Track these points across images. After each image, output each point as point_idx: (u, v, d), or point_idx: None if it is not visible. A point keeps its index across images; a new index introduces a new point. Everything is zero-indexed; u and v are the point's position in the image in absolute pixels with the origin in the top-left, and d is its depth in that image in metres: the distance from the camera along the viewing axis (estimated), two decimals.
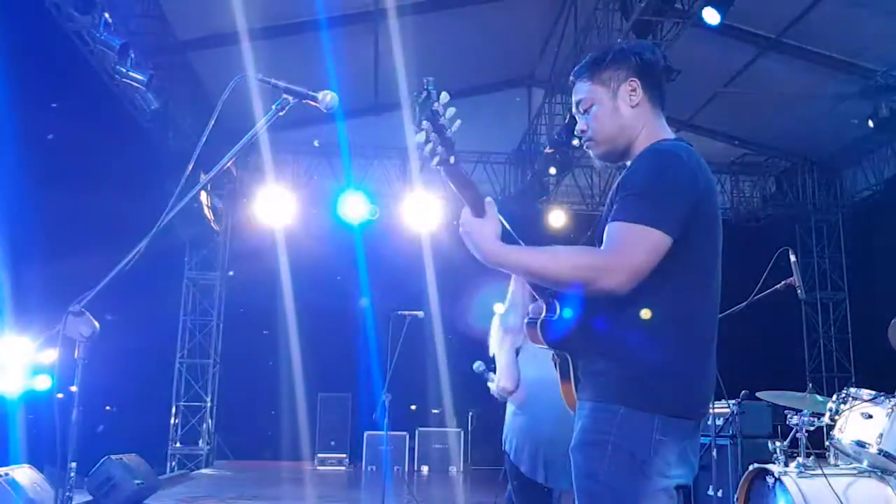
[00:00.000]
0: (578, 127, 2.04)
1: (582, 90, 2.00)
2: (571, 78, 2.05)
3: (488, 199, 1.85)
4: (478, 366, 4.41)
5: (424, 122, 1.73)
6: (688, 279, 1.79)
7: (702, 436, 5.69)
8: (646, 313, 1.75)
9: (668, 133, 1.98)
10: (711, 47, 8.92)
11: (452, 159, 1.75)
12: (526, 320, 1.97)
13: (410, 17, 8.75)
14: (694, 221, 1.77)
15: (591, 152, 2.04)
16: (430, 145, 1.75)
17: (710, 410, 5.31)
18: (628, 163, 1.98)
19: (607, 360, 1.79)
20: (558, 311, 1.87)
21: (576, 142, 9.11)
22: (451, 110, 1.75)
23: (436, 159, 1.76)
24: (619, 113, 1.95)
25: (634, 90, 1.95)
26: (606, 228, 1.78)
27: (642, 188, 1.77)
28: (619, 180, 1.87)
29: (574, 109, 2.06)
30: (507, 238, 1.84)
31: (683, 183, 1.79)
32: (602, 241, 1.84)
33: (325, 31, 8.54)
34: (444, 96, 1.75)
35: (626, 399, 1.74)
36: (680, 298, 1.78)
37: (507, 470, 3.62)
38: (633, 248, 1.72)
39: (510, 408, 3.69)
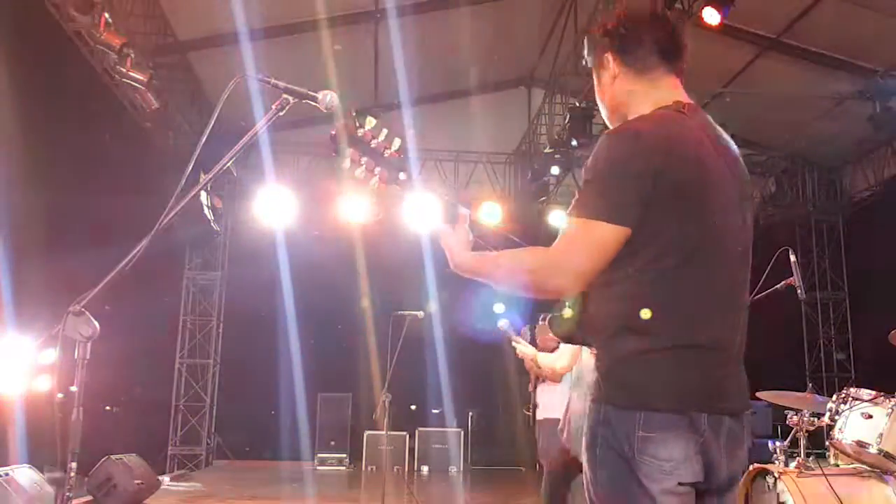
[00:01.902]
0: None
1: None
2: None
3: (462, 209, 1.89)
4: (503, 324, 4.66)
5: (349, 150, 1.84)
6: (664, 263, 1.63)
7: None
8: (620, 304, 1.65)
9: (657, 100, 1.81)
10: (711, 47, 8.92)
11: (403, 175, 1.84)
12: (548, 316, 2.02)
13: (410, 17, 8.76)
14: (656, 202, 1.61)
15: None
16: (360, 169, 1.85)
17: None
18: None
19: (598, 358, 1.71)
20: (577, 304, 1.82)
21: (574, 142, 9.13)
22: (384, 132, 1.85)
23: (373, 180, 1.85)
24: (603, 90, 1.93)
25: (608, 65, 1.90)
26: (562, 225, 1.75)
27: (591, 176, 1.68)
28: None
29: None
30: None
31: (635, 162, 1.63)
32: None
33: (325, 31, 8.55)
34: (370, 121, 1.85)
35: (609, 396, 1.66)
36: (657, 285, 1.63)
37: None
38: (576, 245, 1.65)
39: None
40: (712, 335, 1.67)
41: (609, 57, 1.89)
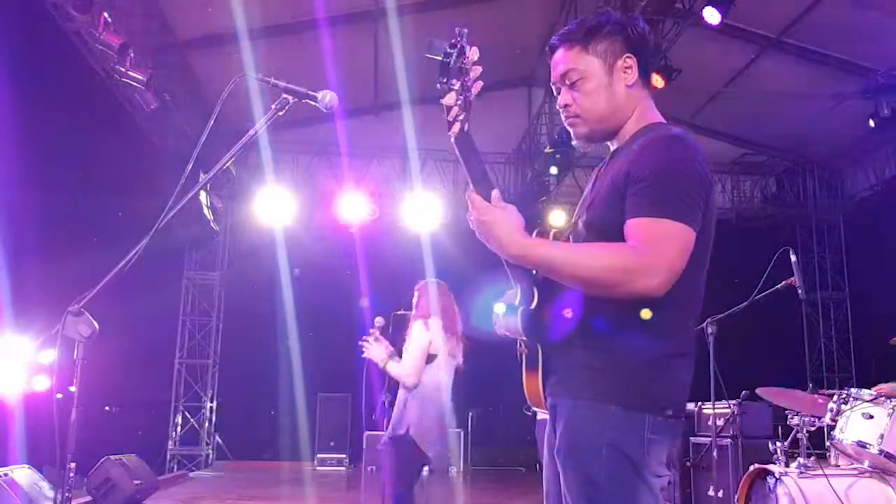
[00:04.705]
0: (561, 100, 1.82)
1: (570, 60, 1.78)
2: (554, 42, 1.82)
3: (495, 191, 1.71)
4: (379, 321, 4.51)
5: (455, 82, 1.55)
6: (691, 276, 1.65)
7: (702, 436, 5.72)
8: (648, 310, 1.61)
9: (659, 115, 1.82)
10: (711, 47, 8.91)
11: (466, 126, 1.59)
12: (503, 309, 1.80)
13: (410, 17, 8.74)
14: (706, 215, 1.66)
15: (573, 130, 1.84)
16: (455, 109, 1.57)
17: (712, 410, 5.30)
18: (611, 144, 1.84)
19: (597, 357, 1.66)
20: (536, 299, 1.72)
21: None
22: (478, 69, 1.58)
23: (456, 126, 1.58)
24: (613, 91, 1.77)
25: (630, 67, 1.77)
26: (633, 223, 1.60)
27: (665, 178, 1.61)
28: (620, 163, 1.71)
29: (555, 79, 1.82)
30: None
31: (700, 173, 1.65)
32: (588, 226, 1.72)
33: (325, 30, 8.54)
34: (475, 53, 1.59)
35: (621, 398, 1.62)
36: (683, 295, 1.65)
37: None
38: (670, 246, 1.57)
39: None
40: (693, 342, 1.77)
41: (632, 59, 1.78)
